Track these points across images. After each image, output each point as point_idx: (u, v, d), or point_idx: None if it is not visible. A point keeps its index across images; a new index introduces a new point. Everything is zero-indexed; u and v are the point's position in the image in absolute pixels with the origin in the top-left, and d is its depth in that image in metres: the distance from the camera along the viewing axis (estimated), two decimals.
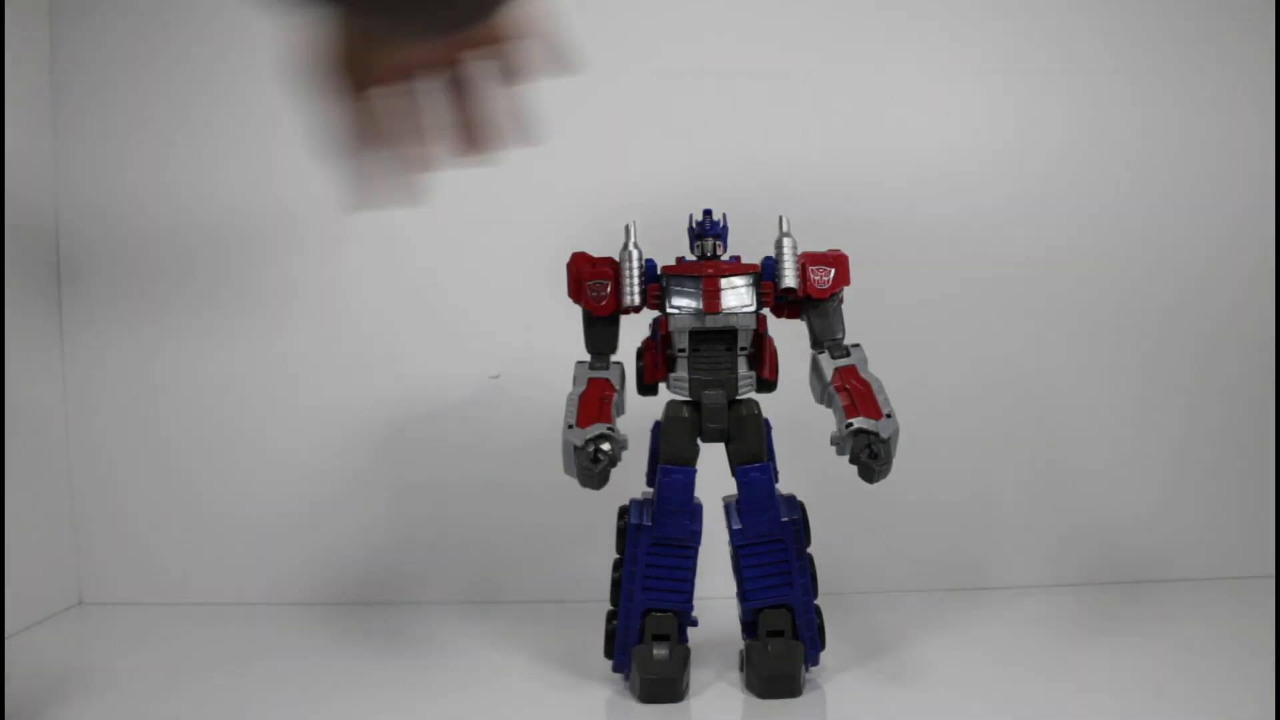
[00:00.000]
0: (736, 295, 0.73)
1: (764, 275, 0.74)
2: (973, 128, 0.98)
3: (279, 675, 0.80)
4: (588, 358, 0.75)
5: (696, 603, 0.75)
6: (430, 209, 0.98)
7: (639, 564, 0.73)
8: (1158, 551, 0.97)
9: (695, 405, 0.73)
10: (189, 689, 0.77)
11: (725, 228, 0.74)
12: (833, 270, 0.74)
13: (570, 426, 0.70)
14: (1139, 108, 0.98)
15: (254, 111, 0.99)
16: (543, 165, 0.97)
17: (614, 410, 0.72)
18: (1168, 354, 0.98)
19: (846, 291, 0.75)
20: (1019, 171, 0.98)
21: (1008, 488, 0.98)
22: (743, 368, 0.74)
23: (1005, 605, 0.92)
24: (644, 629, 0.73)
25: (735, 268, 0.73)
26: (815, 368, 0.74)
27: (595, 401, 0.72)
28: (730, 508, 0.75)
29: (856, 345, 0.74)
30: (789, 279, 0.72)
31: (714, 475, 0.75)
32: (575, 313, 0.76)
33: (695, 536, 0.73)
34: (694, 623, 0.76)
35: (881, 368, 0.73)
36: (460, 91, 0.53)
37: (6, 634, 0.88)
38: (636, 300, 0.73)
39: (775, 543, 0.73)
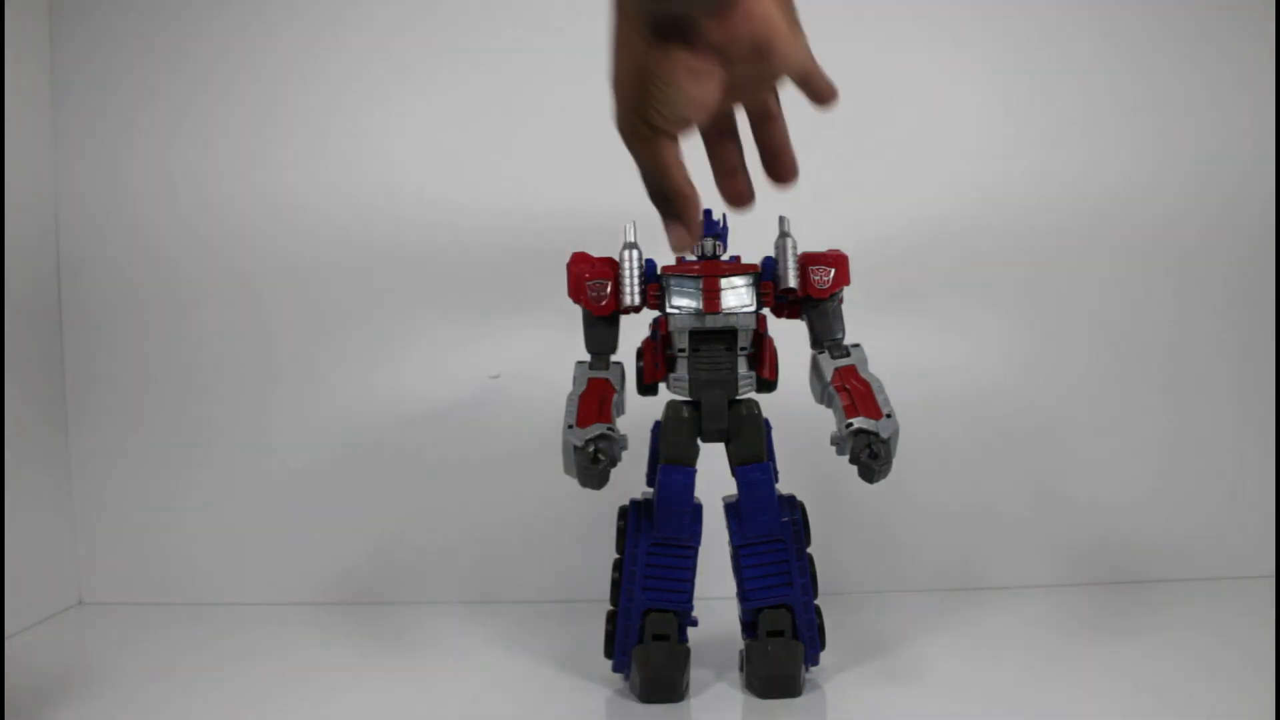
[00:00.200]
0: (736, 295, 0.72)
1: (764, 275, 0.73)
2: (973, 129, 0.98)
3: (279, 675, 0.80)
4: (588, 358, 0.75)
5: (696, 603, 0.75)
6: (430, 208, 0.99)
7: (639, 564, 0.73)
8: (1158, 551, 0.98)
9: (695, 405, 0.73)
10: (189, 689, 0.77)
11: (725, 228, 0.74)
12: (833, 270, 0.74)
13: (570, 426, 0.70)
14: (1138, 108, 0.98)
15: (254, 111, 0.99)
16: (543, 165, 0.98)
17: (614, 410, 0.72)
18: (1168, 354, 0.98)
19: (846, 291, 0.75)
20: (1020, 172, 0.98)
21: (1008, 488, 0.98)
22: (743, 368, 0.74)
23: (1005, 605, 0.92)
24: (644, 629, 0.73)
25: (735, 268, 0.73)
26: (815, 368, 0.74)
27: (595, 402, 0.72)
28: (730, 508, 0.75)
29: (856, 345, 0.74)
30: (789, 279, 0.72)
31: (714, 475, 0.75)
32: (575, 313, 0.76)
33: (695, 536, 0.73)
34: (694, 623, 0.76)
35: (881, 368, 0.73)
36: (766, 121, 0.56)
37: (6, 634, 0.88)
38: (636, 300, 0.73)
39: (775, 543, 0.73)
